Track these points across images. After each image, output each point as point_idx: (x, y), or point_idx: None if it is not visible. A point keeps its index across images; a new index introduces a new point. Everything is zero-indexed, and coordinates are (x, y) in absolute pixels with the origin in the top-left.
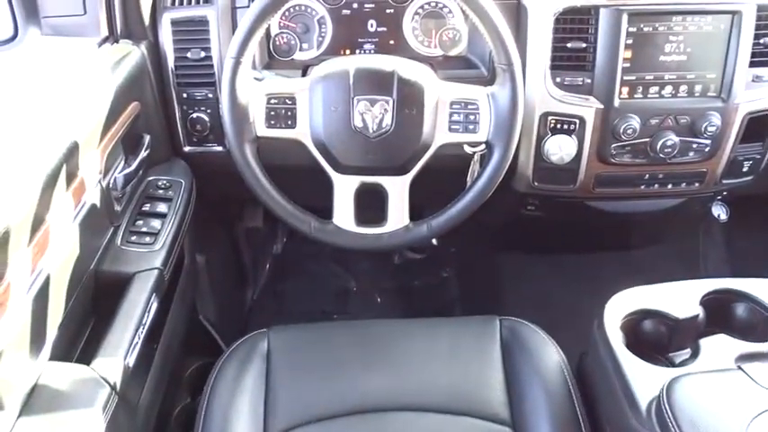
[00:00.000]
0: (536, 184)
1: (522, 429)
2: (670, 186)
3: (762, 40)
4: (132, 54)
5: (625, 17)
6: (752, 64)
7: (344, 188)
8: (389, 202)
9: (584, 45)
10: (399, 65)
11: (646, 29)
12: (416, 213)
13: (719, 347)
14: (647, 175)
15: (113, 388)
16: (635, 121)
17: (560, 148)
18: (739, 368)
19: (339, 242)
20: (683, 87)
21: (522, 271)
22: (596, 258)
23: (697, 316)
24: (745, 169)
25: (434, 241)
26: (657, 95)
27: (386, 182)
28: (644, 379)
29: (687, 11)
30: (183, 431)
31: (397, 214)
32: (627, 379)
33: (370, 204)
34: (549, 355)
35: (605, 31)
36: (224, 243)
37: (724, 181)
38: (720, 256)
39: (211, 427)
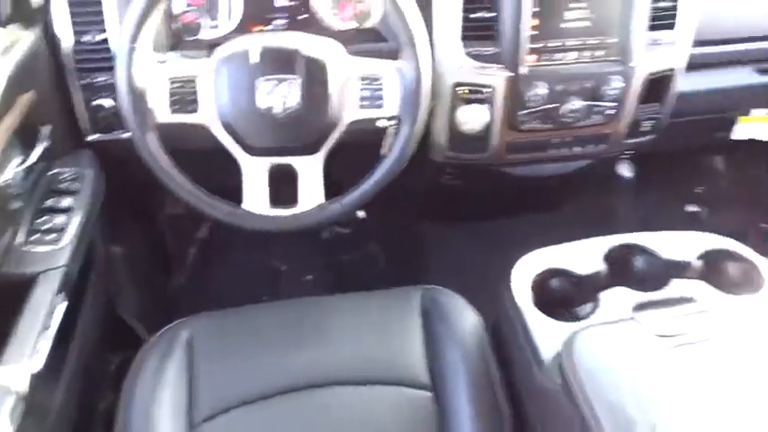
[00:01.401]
0: (451, 153)
1: (442, 393)
2: (577, 149)
3: (659, 4)
4: (24, 40)
5: None
6: (650, 28)
7: (255, 170)
8: (301, 182)
9: (491, 15)
10: (303, 42)
11: None
12: (336, 189)
13: (618, 299)
14: (556, 140)
15: (20, 394)
16: (542, 88)
17: (472, 117)
18: (632, 318)
19: (252, 225)
20: (587, 53)
21: (444, 240)
22: (513, 223)
23: (599, 272)
24: (646, 128)
25: (361, 214)
26: (562, 62)
27: (297, 162)
28: (547, 335)
29: None
30: (108, 429)
31: (310, 193)
32: (531, 336)
33: (287, 184)
34: (467, 320)
35: (511, 1)
36: (145, 232)
37: (627, 141)
38: (628, 213)
39: (132, 423)
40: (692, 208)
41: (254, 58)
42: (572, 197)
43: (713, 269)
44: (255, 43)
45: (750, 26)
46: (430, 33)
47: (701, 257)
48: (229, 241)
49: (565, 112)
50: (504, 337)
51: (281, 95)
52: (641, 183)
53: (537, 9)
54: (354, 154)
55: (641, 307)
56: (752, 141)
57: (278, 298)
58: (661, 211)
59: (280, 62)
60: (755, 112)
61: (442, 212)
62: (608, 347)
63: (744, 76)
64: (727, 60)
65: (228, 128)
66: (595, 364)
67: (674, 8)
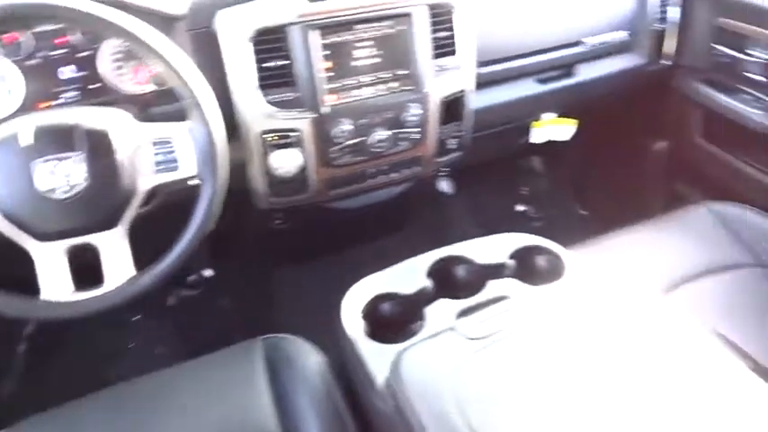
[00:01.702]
0: (273, 198)
1: None
2: (394, 175)
3: (438, 35)
4: None
5: (316, 32)
6: (435, 56)
7: (49, 256)
8: (104, 260)
9: (284, 62)
10: (82, 116)
11: (338, 39)
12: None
13: (440, 312)
14: (372, 170)
15: None
16: (347, 124)
17: (285, 162)
18: (451, 328)
19: (56, 315)
20: (382, 86)
21: (293, 282)
22: (353, 254)
23: (424, 288)
24: (453, 146)
25: (208, 273)
26: (361, 97)
27: (96, 239)
28: (377, 359)
29: (366, 18)
30: None
31: (117, 269)
32: (364, 363)
33: (92, 263)
34: (311, 362)
35: (300, 47)
36: None
37: (438, 160)
38: (454, 225)
39: None
40: (520, 207)
41: (26, 140)
42: (403, 219)
43: (523, 265)
44: (26, 125)
45: (525, 44)
46: (225, 87)
47: (512, 256)
48: (62, 328)
49: (373, 143)
50: (345, 370)
51: (64, 174)
52: (461, 194)
53: (328, 52)
54: (167, 217)
55: (462, 314)
56: (549, 142)
57: (128, 379)
58: (498, 214)
59: (57, 140)
60: (545, 116)
61: (287, 255)
62: (430, 361)
63: (528, 87)
64: (511, 75)
65: (10, 217)
66: (420, 379)
67: (452, 37)
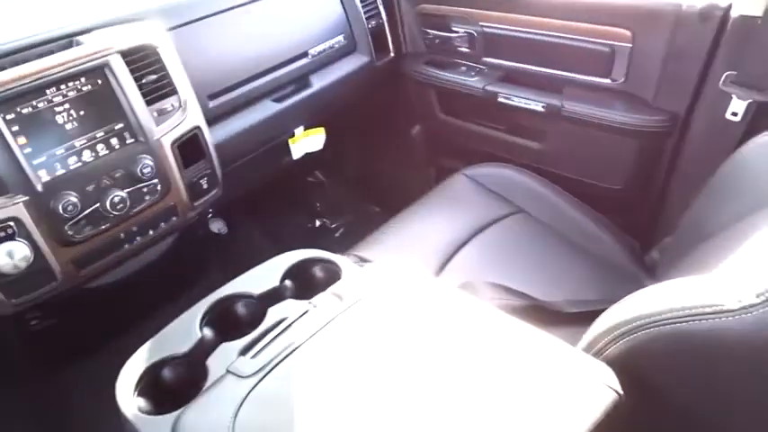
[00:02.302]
0: (15, 300)
1: None
2: (152, 232)
3: (144, 80)
4: None
5: None
6: (151, 101)
7: None
8: None
9: None
10: None
11: (28, 110)
12: None
13: (220, 359)
14: (122, 234)
15: None
16: (72, 196)
17: (11, 256)
18: (227, 372)
19: None
20: (101, 146)
21: (65, 389)
22: (134, 333)
23: (201, 339)
24: (206, 186)
25: None
26: (81, 163)
27: None
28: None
29: (53, 81)
30: None
31: None
32: None
33: None
34: None
35: None
36: None
37: (197, 203)
38: (224, 267)
39: None
40: (317, 222)
41: None
42: (184, 273)
43: (300, 282)
44: None
45: (253, 65)
46: None
47: (285, 277)
48: None
49: (113, 207)
50: None
51: None
52: (258, 224)
53: (17, 127)
54: None
55: (243, 352)
56: (308, 155)
57: None
58: (295, 236)
59: None
60: (298, 131)
61: (60, 356)
62: (208, 417)
63: (266, 108)
64: (248, 100)
65: None
66: None
67: (165, 77)
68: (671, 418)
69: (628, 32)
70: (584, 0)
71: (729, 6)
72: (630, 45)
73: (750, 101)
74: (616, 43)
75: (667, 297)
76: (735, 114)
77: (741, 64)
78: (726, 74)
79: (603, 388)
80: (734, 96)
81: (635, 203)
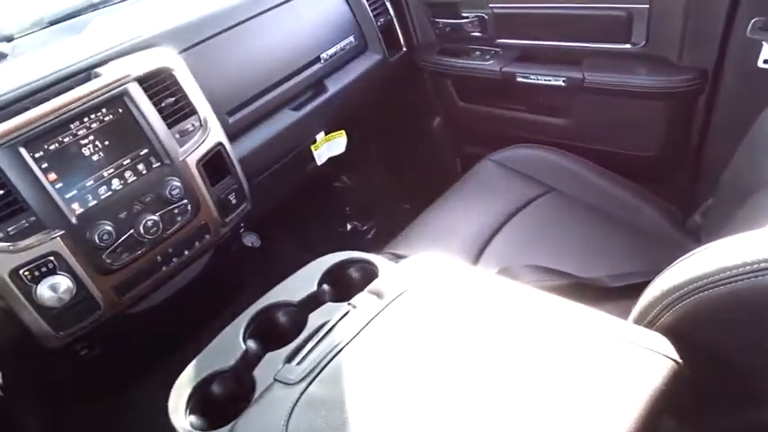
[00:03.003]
0: (62, 332)
1: None
2: (188, 252)
3: (163, 104)
4: None
5: (22, 150)
6: (172, 123)
7: None
8: None
9: (3, 191)
10: None
11: (54, 146)
12: None
13: (266, 369)
14: (159, 257)
15: None
16: (106, 225)
17: (55, 291)
18: (274, 380)
19: None
20: (128, 173)
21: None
22: (179, 355)
23: (245, 352)
24: (235, 202)
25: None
26: (112, 192)
27: None
28: None
29: (75, 116)
30: None
31: None
32: None
33: None
34: None
35: (13, 170)
36: None
37: (228, 219)
38: (260, 279)
39: None
40: (348, 226)
41: None
42: (222, 291)
43: (338, 285)
44: None
45: (267, 77)
46: None
47: (322, 281)
48: None
49: (146, 231)
50: None
51: None
52: (292, 234)
53: (46, 164)
54: None
55: (288, 359)
56: (332, 160)
57: None
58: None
59: None
60: (319, 137)
61: (111, 382)
62: (260, 428)
63: (286, 118)
64: (266, 112)
65: None
66: None
67: (184, 98)
68: (731, 382)
69: None
70: None
71: None
72: (648, 6)
73: None
74: (633, 6)
75: (720, 257)
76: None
77: None
78: (753, 20)
79: (660, 358)
80: (764, 43)
81: (670, 169)
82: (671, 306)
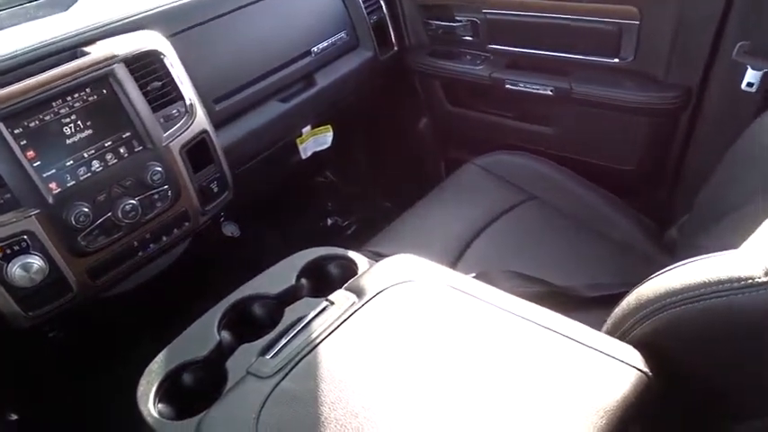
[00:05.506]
0: (32, 313)
1: None
2: (165, 238)
3: (149, 88)
4: None
5: (1, 125)
6: (155, 109)
7: None
8: None
9: None
10: None
11: (35, 124)
12: None
13: (240, 361)
14: (136, 242)
15: None
16: (83, 207)
17: (26, 271)
18: (247, 373)
19: None
20: (109, 155)
21: (92, 395)
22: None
23: (219, 343)
24: (217, 190)
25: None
26: (91, 173)
27: None
28: None
29: (58, 94)
30: None
31: None
32: None
33: None
34: None
35: None
36: None
37: (208, 208)
38: (239, 269)
39: None
40: (328, 221)
41: None
42: (195, 280)
43: (316, 280)
44: None
45: (258, 67)
46: None
47: (300, 276)
48: None
49: (124, 215)
50: None
51: None
52: (271, 226)
53: (25, 141)
54: None
55: (262, 353)
56: (316, 154)
57: None
58: (306, 236)
59: None
60: (305, 130)
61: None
62: (229, 420)
63: (273, 109)
64: (254, 102)
65: None
66: None
67: (171, 83)
68: (701, 397)
69: (635, 9)
70: None
71: None
72: (638, 22)
73: (766, 70)
74: (623, 21)
75: (694, 274)
76: (750, 85)
77: (754, 33)
78: (739, 44)
79: (630, 369)
80: (748, 67)
81: (650, 183)
82: (644, 319)
